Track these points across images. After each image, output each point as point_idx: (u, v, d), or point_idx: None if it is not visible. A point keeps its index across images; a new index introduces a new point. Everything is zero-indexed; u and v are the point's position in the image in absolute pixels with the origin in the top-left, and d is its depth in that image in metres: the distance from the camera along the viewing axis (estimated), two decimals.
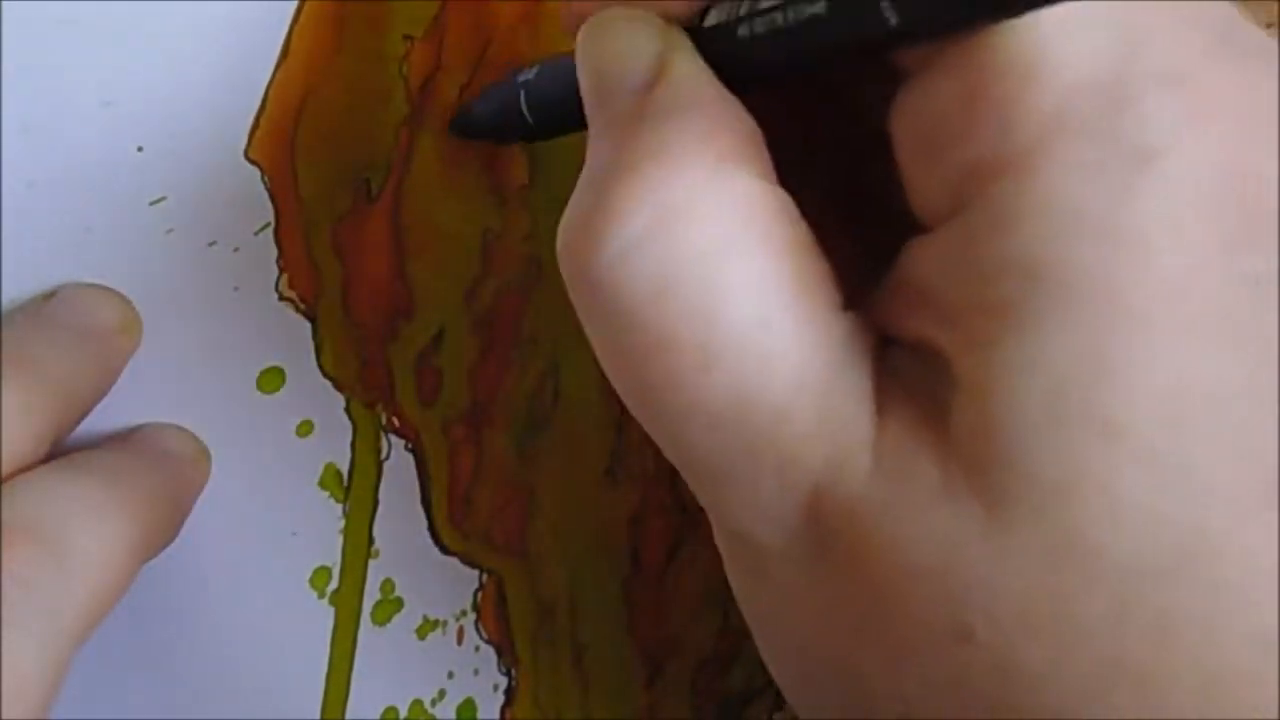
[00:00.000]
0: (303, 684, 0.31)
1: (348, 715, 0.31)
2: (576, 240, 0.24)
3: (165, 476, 0.30)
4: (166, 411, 0.30)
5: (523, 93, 0.30)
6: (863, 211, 0.28)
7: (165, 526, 0.30)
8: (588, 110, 0.26)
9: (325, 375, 0.32)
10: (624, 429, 0.32)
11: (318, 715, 0.31)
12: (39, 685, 0.25)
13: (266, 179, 0.31)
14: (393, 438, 0.32)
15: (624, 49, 0.25)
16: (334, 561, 0.31)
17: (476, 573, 0.32)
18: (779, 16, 0.23)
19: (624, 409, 0.31)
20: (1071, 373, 0.21)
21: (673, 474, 0.32)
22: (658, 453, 0.31)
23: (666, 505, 0.32)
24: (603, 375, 0.30)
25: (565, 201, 0.31)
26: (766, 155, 0.24)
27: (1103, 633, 0.21)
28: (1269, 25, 0.35)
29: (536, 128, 0.30)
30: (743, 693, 0.33)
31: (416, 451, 0.32)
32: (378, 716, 0.31)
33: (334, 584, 0.31)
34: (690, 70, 0.25)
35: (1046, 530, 0.21)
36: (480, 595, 0.32)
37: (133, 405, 0.30)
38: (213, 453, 0.31)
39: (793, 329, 0.23)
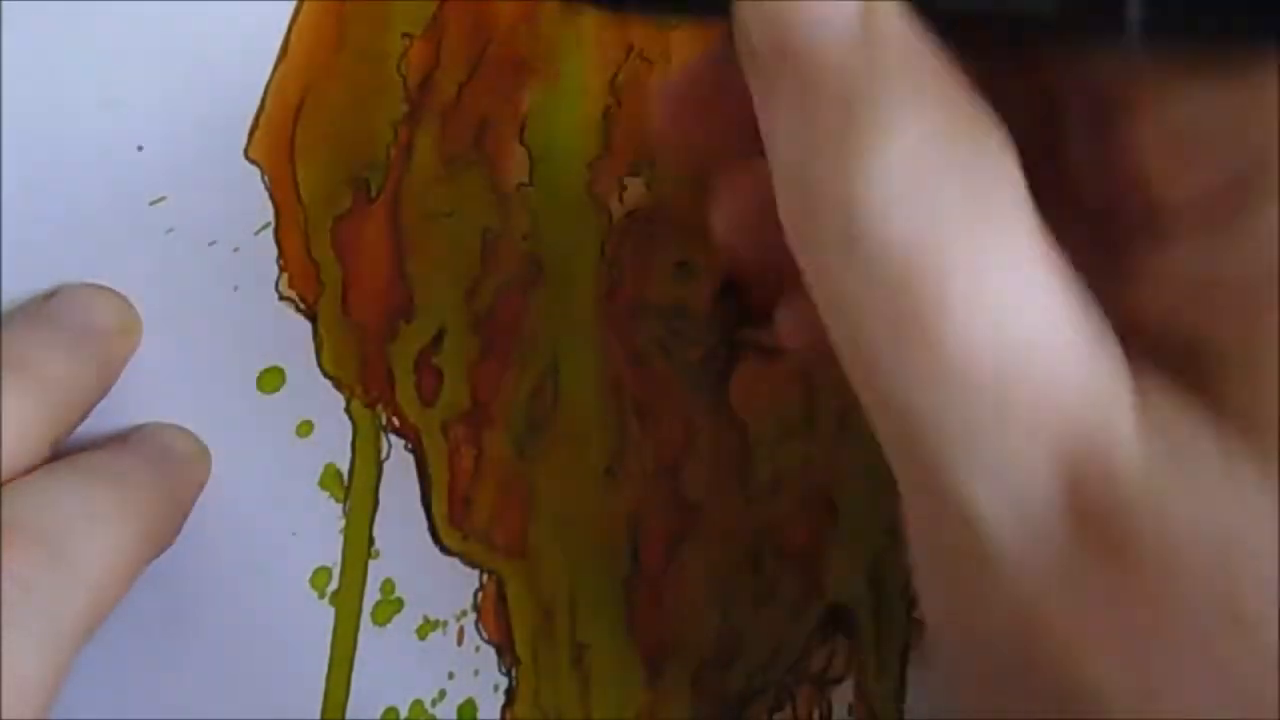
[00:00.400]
0: (303, 684, 0.31)
1: (348, 716, 0.31)
2: (827, 191, 0.22)
3: (165, 477, 0.30)
4: (166, 411, 0.31)
5: None
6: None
7: (166, 528, 0.30)
8: (758, 70, 0.23)
9: (325, 375, 0.32)
10: (624, 429, 0.32)
11: (318, 716, 0.31)
12: (39, 685, 0.25)
13: (266, 178, 0.31)
14: (393, 437, 0.32)
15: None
16: (334, 561, 0.31)
17: (477, 573, 0.32)
18: None
19: (624, 408, 0.31)
20: None
21: (673, 473, 0.31)
22: (658, 452, 0.31)
23: (667, 504, 0.32)
24: (603, 374, 0.30)
25: (566, 200, 0.31)
26: (999, 126, 0.23)
27: None
28: None
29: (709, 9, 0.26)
30: (743, 692, 0.32)
31: (416, 451, 0.32)
32: (378, 717, 0.31)
33: (334, 584, 0.31)
34: (900, 27, 0.22)
35: None
36: (480, 595, 0.32)
37: (133, 405, 0.30)
38: (213, 453, 0.31)
39: (1054, 306, 0.22)
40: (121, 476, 0.29)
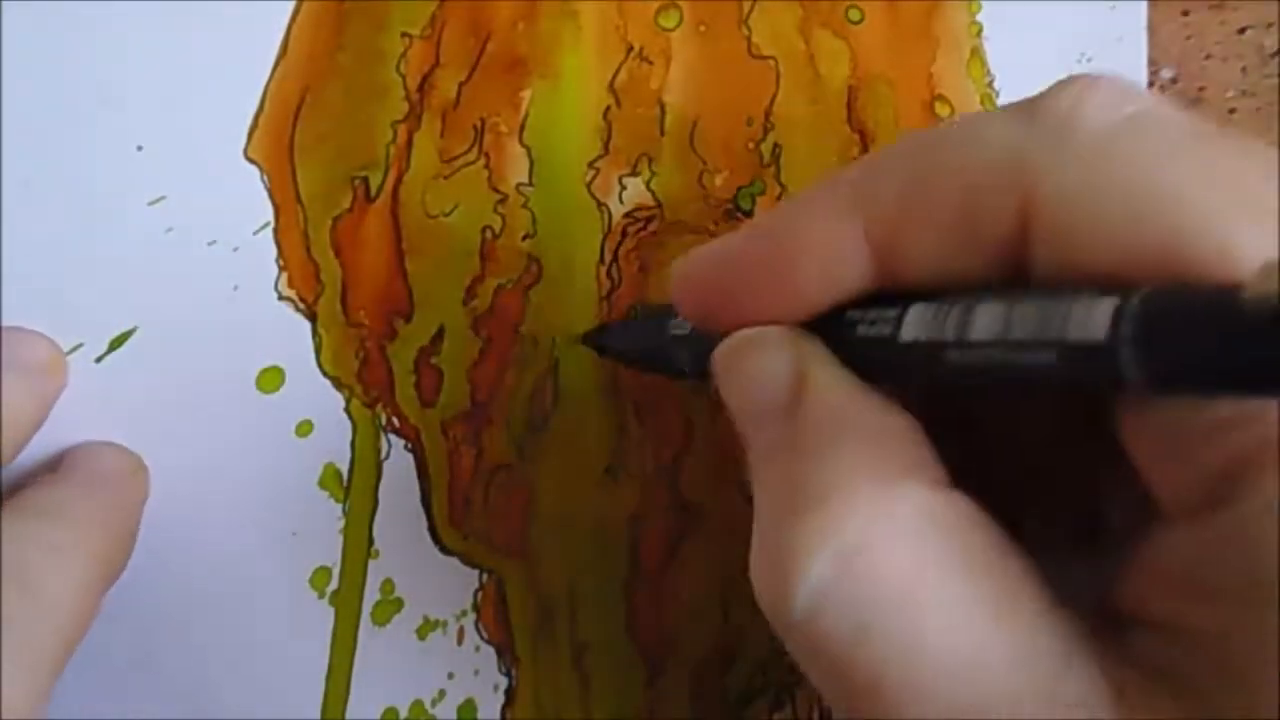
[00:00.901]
0: (303, 684, 0.31)
1: (348, 716, 0.31)
2: (767, 588, 0.23)
3: (110, 501, 0.31)
4: (165, 411, 0.30)
5: (676, 348, 0.29)
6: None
7: (119, 551, 0.30)
8: (741, 434, 0.25)
9: (325, 375, 0.32)
10: (624, 429, 0.32)
11: (318, 715, 0.31)
12: (24, 709, 0.25)
13: (266, 178, 0.31)
14: (392, 437, 0.32)
15: (757, 371, 0.25)
16: (334, 561, 0.31)
17: (476, 573, 0.32)
18: (994, 354, 0.22)
19: (623, 409, 0.31)
20: None
21: (673, 473, 0.31)
22: (657, 452, 0.31)
23: (666, 505, 0.32)
24: (602, 375, 0.30)
25: (565, 200, 0.31)
26: (931, 454, 0.24)
27: None
28: (1269, 25, 0.35)
29: (693, 375, 0.29)
30: (743, 692, 0.32)
31: (416, 451, 0.32)
32: (378, 717, 0.31)
33: (334, 584, 0.31)
34: (830, 382, 0.24)
35: None
36: (480, 595, 0.32)
37: (131, 405, 0.30)
38: (212, 453, 0.31)
39: (1003, 645, 0.22)
40: (70, 512, 0.30)
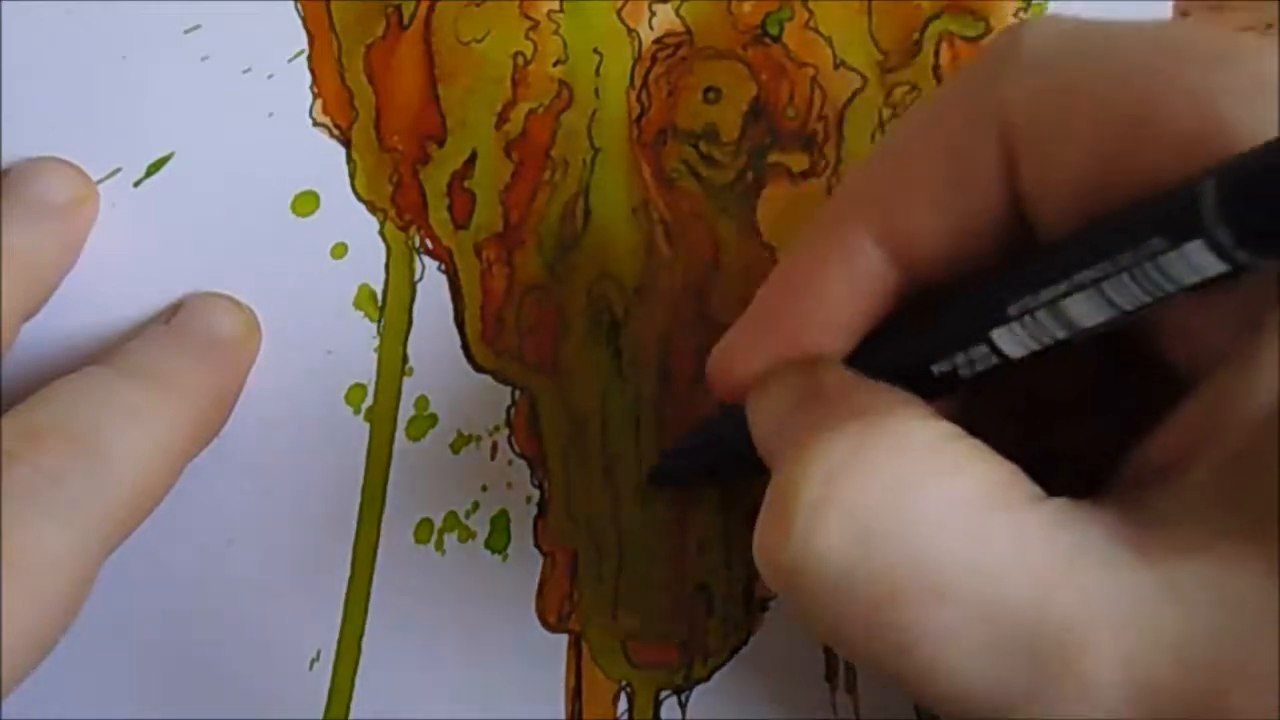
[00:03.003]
0: (339, 497, 0.32)
1: (383, 527, 0.31)
2: (766, 535, 0.23)
3: (211, 368, 0.31)
4: (202, 234, 0.31)
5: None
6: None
7: (209, 422, 0.31)
8: (769, 460, 0.26)
9: (359, 199, 0.32)
10: (653, 250, 0.32)
11: (354, 528, 0.31)
12: (67, 571, 0.26)
13: (300, 7, 0.31)
14: (426, 259, 0.33)
15: (778, 392, 0.26)
16: (369, 379, 0.32)
17: (509, 389, 0.32)
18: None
19: (653, 230, 0.31)
20: None
21: (701, 293, 0.32)
22: (686, 273, 0.31)
23: (695, 323, 0.32)
24: (632, 197, 0.31)
25: (596, 26, 0.31)
26: (922, 402, 0.25)
27: None
28: (1269, 26, 0.34)
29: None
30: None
31: (449, 272, 0.32)
32: (412, 528, 0.32)
33: (369, 401, 0.32)
34: (838, 374, 0.26)
35: None
36: (513, 411, 0.32)
37: (167, 229, 0.31)
38: (248, 274, 0.32)
39: (1007, 530, 0.22)
40: (162, 373, 0.30)
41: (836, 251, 0.25)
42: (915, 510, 0.22)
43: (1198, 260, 0.21)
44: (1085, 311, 0.22)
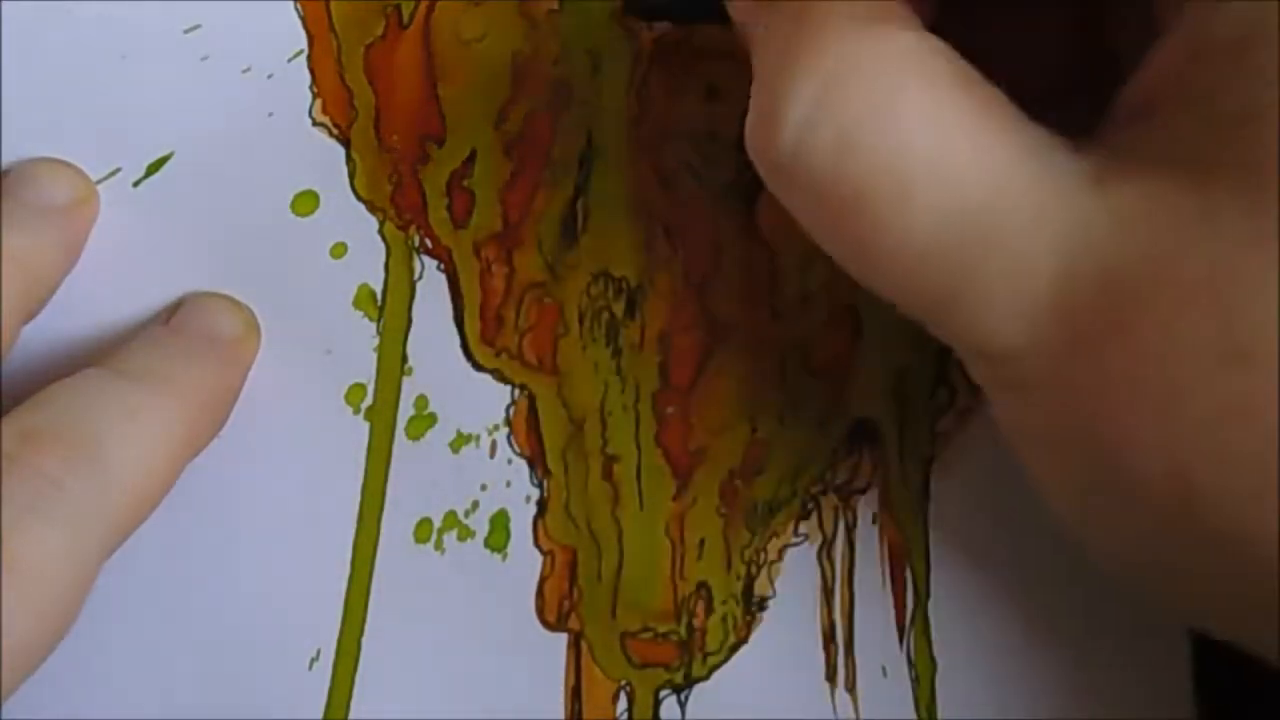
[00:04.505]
0: (339, 496, 0.32)
1: (383, 526, 0.31)
2: (757, 135, 0.25)
3: (210, 369, 0.31)
4: (202, 234, 0.31)
5: None
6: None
7: (210, 421, 0.31)
8: (746, 34, 0.27)
9: (359, 198, 0.32)
10: (653, 249, 0.32)
11: (353, 528, 0.31)
12: (67, 576, 0.26)
13: (299, 6, 0.31)
14: (425, 259, 0.33)
15: None
16: (369, 378, 0.32)
17: (508, 388, 0.32)
18: None
19: (653, 230, 0.31)
20: None
21: (702, 292, 0.32)
22: (687, 272, 0.31)
23: (695, 322, 0.32)
24: (632, 196, 0.31)
25: (595, 25, 0.31)
26: (912, 14, 0.25)
27: None
28: None
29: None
30: (770, 502, 0.32)
31: (449, 272, 0.32)
32: (412, 527, 0.32)
33: (369, 400, 0.32)
34: None
35: None
36: (512, 410, 0.32)
37: (168, 228, 0.31)
38: (248, 274, 0.32)
39: (975, 141, 0.24)
40: (161, 374, 0.30)
41: None
42: (892, 120, 0.24)
43: None
44: None
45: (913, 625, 0.32)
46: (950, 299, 0.24)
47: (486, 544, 0.32)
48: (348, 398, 0.32)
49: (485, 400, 0.33)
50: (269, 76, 0.32)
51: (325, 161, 0.32)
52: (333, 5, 0.32)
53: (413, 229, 0.33)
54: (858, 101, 0.23)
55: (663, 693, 0.33)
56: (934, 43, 0.24)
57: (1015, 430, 0.26)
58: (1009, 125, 0.24)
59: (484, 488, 0.32)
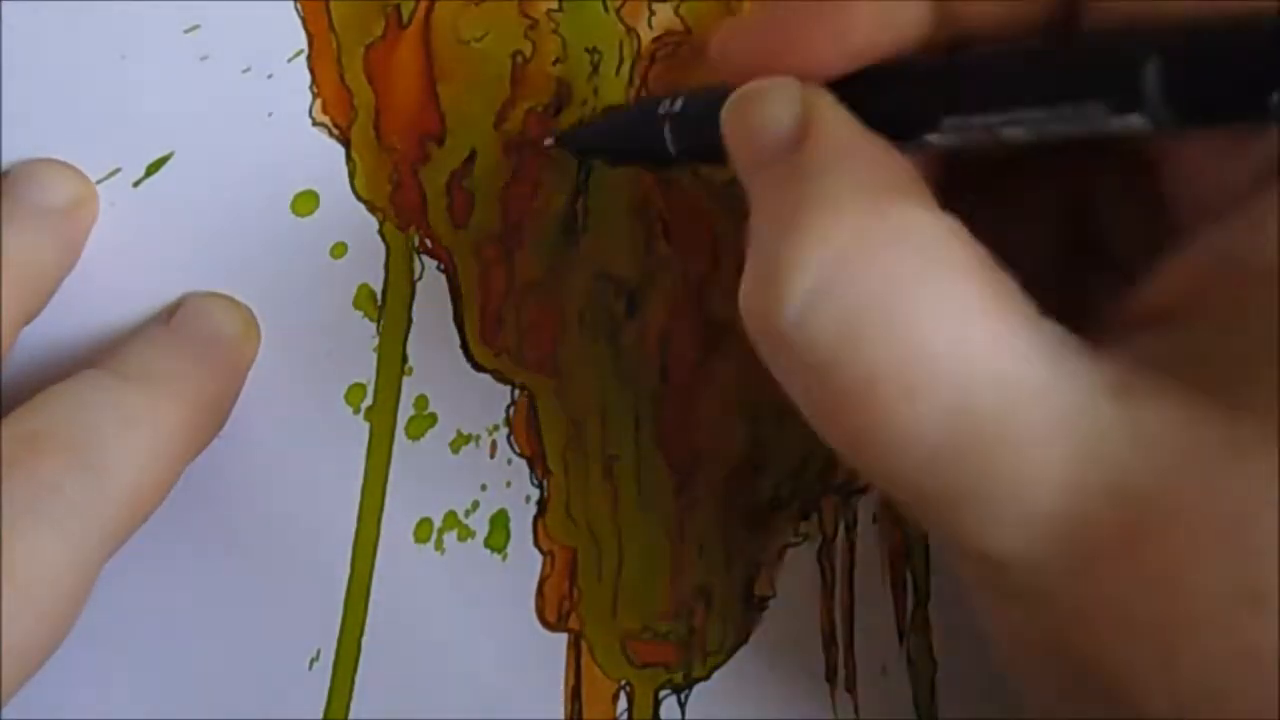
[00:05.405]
0: (339, 496, 0.32)
1: (383, 527, 0.31)
2: (758, 304, 0.24)
3: (210, 369, 0.31)
4: (202, 234, 0.31)
5: (667, 125, 0.30)
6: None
7: (208, 424, 0.31)
8: (744, 179, 0.26)
9: (359, 199, 0.32)
10: (652, 248, 0.32)
11: (353, 527, 0.31)
12: (65, 582, 0.26)
13: (299, 6, 0.31)
14: (425, 259, 0.33)
15: (768, 114, 0.26)
16: (368, 378, 0.32)
17: (508, 388, 0.32)
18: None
19: (652, 229, 0.31)
20: None
21: (701, 291, 0.32)
22: (686, 271, 0.31)
23: (695, 322, 0.32)
24: (631, 195, 0.31)
25: (595, 25, 0.31)
26: (925, 188, 0.24)
27: None
28: None
29: (681, 158, 0.31)
30: (770, 501, 0.32)
31: (449, 272, 0.32)
32: (412, 527, 0.32)
33: (368, 400, 0.32)
34: (835, 121, 0.25)
35: None
36: (512, 410, 0.32)
37: (168, 228, 0.31)
38: (248, 273, 0.32)
39: (991, 339, 0.23)
40: (160, 376, 0.30)
41: None
42: (905, 309, 0.22)
43: (1134, 123, 0.21)
44: (1017, 135, 0.23)
45: (913, 625, 0.32)
46: (955, 500, 0.23)
47: (486, 544, 0.32)
48: (348, 398, 0.32)
49: (485, 400, 0.33)
50: (269, 76, 0.32)
51: (325, 161, 0.32)
52: (333, 5, 0.32)
53: (413, 229, 0.33)
54: (871, 283, 0.22)
55: (663, 693, 0.33)
56: (950, 224, 0.23)
57: (1003, 633, 0.25)
58: (1025, 322, 0.23)
59: (484, 488, 0.32)
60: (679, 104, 0.30)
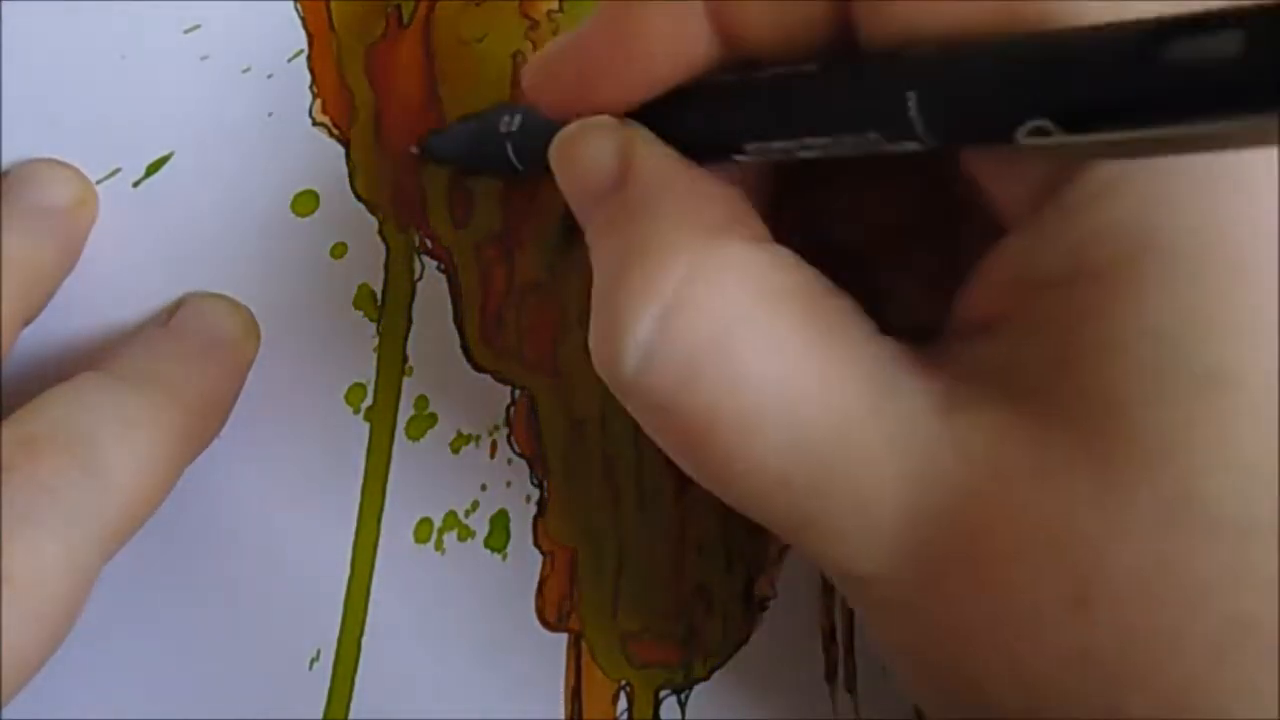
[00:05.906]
0: (339, 496, 0.32)
1: (383, 526, 0.31)
2: (602, 357, 0.25)
3: (210, 371, 0.31)
4: (202, 234, 0.31)
5: (509, 144, 0.31)
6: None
7: (207, 425, 0.31)
8: (579, 220, 0.27)
9: (359, 199, 0.32)
10: None
11: (353, 527, 0.31)
12: (64, 585, 0.26)
13: (299, 6, 0.31)
14: (426, 259, 0.32)
15: (590, 155, 0.26)
16: (369, 379, 0.32)
17: (508, 389, 0.32)
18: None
19: None
20: (1178, 327, 0.21)
21: None
22: None
23: None
24: None
25: None
26: (751, 213, 0.25)
27: (1223, 590, 0.20)
28: None
29: (529, 172, 0.31)
30: None
31: (449, 272, 0.32)
32: (412, 527, 0.32)
33: (369, 400, 0.32)
34: (652, 157, 0.26)
35: (1158, 488, 0.21)
36: (512, 411, 0.32)
37: (168, 228, 0.31)
38: (248, 274, 0.32)
39: (818, 371, 0.23)
40: (159, 377, 0.30)
41: (672, 11, 0.26)
42: (735, 352, 0.23)
43: (911, 147, 0.22)
44: (814, 153, 0.24)
45: None
46: (804, 525, 0.24)
47: (486, 544, 0.32)
48: (348, 398, 0.32)
49: (485, 401, 0.33)
50: (269, 76, 0.32)
51: (325, 161, 0.32)
52: (333, 5, 0.32)
53: (413, 229, 0.33)
54: (701, 331, 0.23)
55: (663, 693, 0.33)
56: (774, 255, 0.24)
57: (881, 642, 0.26)
58: (855, 347, 0.24)
59: (484, 488, 0.32)
60: (517, 121, 0.30)
